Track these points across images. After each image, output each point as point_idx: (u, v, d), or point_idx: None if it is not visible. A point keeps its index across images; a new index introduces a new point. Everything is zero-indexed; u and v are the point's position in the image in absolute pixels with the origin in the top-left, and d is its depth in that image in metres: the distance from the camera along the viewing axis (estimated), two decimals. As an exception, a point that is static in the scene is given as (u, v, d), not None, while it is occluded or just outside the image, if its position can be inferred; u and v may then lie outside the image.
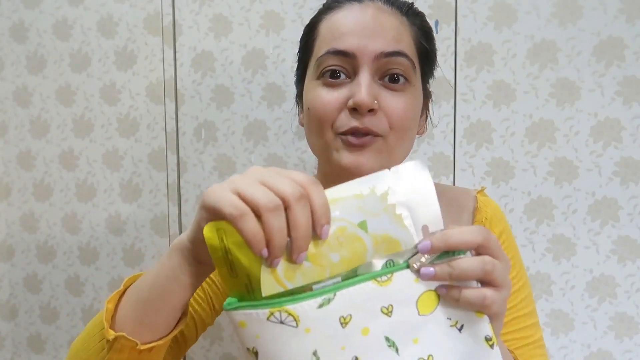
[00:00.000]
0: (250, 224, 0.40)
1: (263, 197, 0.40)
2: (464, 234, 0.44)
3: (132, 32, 1.08)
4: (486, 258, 0.44)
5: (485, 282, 0.44)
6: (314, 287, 0.42)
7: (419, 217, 0.44)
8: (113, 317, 0.52)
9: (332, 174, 0.67)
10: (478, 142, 0.98)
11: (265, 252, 0.40)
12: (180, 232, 1.10)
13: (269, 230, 0.40)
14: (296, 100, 0.75)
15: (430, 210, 0.45)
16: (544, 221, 0.98)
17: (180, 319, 0.53)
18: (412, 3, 0.69)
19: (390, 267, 0.43)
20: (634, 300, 0.96)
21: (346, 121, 0.61)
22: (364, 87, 0.60)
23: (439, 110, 0.99)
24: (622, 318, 0.97)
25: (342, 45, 0.61)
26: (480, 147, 0.98)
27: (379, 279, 0.42)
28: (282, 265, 0.41)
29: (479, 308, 0.44)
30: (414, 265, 0.43)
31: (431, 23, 0.97)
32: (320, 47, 0.64)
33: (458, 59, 0.98)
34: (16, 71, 1.14)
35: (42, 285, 1.18)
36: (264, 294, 0.41)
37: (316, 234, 0.41)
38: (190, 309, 0.67)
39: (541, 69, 0.95)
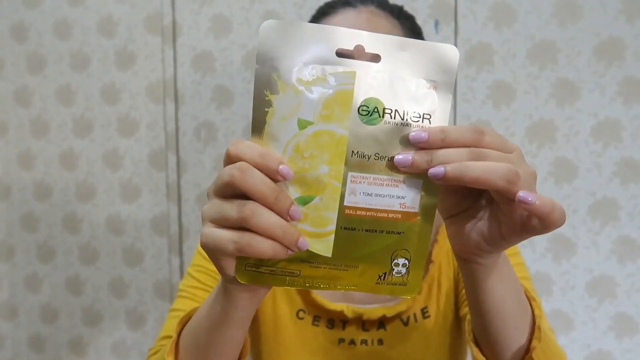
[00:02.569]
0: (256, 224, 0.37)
1: (231, 210, 0.37)
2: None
3: (132, 32, 1.08)
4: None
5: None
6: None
7: None
8: None
9: None
10: (478, 142, 0.98)
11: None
12: (180, 232, 1.11)
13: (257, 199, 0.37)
14: None
15: None
16: (544, 221, 0.98)
17: (242, 352, 0.51)
18: (402, 6, 0.71)
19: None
20: (634, 300, 0.96)
21: None
22: None
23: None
24: (622, 318, 0.97)
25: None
26: (480, 147, 0.98)
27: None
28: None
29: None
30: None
31: (431, 23, 0.98)
32: None
33: (458, 59, 0.98)
34: (16, 71, 1.15)
35: (42, 285, 1.18)
36: None
37: (279, 177, 0.37)
38: None
39: (541, 69, 0.95)
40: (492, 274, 0.43)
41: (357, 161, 0.37)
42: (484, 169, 0.35)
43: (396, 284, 0.40)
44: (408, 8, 0.98)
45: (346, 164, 0.37)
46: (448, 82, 0.38)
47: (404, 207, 0.38)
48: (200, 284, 0.68)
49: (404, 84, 0.37)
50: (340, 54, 0.37)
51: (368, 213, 0.38)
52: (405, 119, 0.37)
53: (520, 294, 0.47)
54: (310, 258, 0.38)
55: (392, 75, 0.37)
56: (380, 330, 0.68)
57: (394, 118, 0.37)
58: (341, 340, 0.69)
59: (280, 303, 0.70)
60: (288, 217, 0.37)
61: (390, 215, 0.38)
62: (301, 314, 0.70)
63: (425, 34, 0.98)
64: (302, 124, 0.37)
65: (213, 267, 0.68)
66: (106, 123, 1.11)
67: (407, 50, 0.38)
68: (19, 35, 1.14)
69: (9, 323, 1.21)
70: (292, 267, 0.39)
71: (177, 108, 1.08)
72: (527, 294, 0.49)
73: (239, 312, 0.45)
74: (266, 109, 0.37)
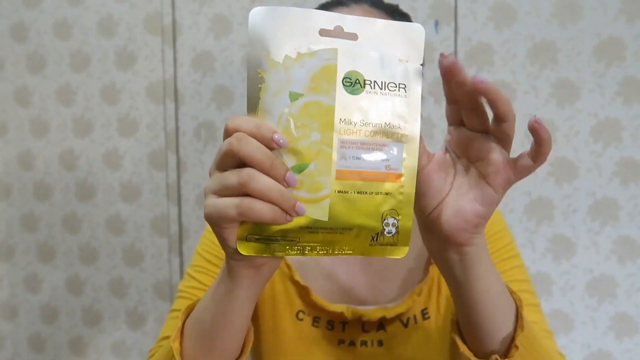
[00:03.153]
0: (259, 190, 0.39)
1: (231, 178, 0.40)
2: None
3: (132, 32, 1.08)
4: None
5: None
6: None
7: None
8: (181, 354, 0.50)
9: None
10: (478, 142, 0.98)
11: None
12: (180, 232, 1.11)
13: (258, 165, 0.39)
14: None
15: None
16: (544, 221, 0.98)
17: (246, 340, 0.52)
18: (397, 5, 0.71)
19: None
20: (634, 300, 0.96)
21: None
22: None
23: (439, 109, 0.99)
24: (622, 318, 0.97)
25: None
26: (480, 147, 0.98)
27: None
28: None
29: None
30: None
31: (431, 23, 0.98)
32: None
33: (458, 59, 0.98)
34: (16, 71, 1.15)
35: (42, 285, 1.18)
36: None
37: (274, 144, 0.40)
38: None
39: (541, 69, 0.95)
40: (481, 259, 0.45)
41: (344, 128, 0.40)
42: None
43: (387, 245, 0.43)
44: (408, 8, 0.98)
45: (335, 130, 0.40)
46: (417, 56, 0.43)
47: (389, 169, 0.42)
48: (200, 284, 0.68)
49: (379, 58, 0.41)
50: (322, 34, 0.41)
51: (358, 176, 0.41)
52: (383, 89, 0.41)
53: (503, 285, 0.48)
54: (308, 224, 0.41)
55: (368, 51, 0.41)
56: (380, 332, 0.68)
57: (374, 88, 0.41)
58: (341, 342, 0.69)
59: (279, 304, 0.70)
60: (284, 183, 0.39)
61: (378, 176, 0.42)
62: (301, 315, 0.70)
63: (425, 34, 0.98)
64: (293, 97, 0.40)
65: (213, 268, 0.69)
66: (106, 123, 1.11)
67: (379, 30, 0.42)
68: (19, 35, 1.14)
69: (9, 323, 1.21)
70: (291, 234, 0.41)
71: (177, 108, 1.08)
72: (508, 287, 0.50)
73: (243, 291, 0.46)
74: (259, 85, 0.40)
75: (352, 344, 0.68)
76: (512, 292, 0.50)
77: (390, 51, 0.42)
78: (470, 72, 0.97)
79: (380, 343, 0.68)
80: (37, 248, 1.18)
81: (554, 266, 0.98)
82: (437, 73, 0.90)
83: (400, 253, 0.44)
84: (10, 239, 1.19)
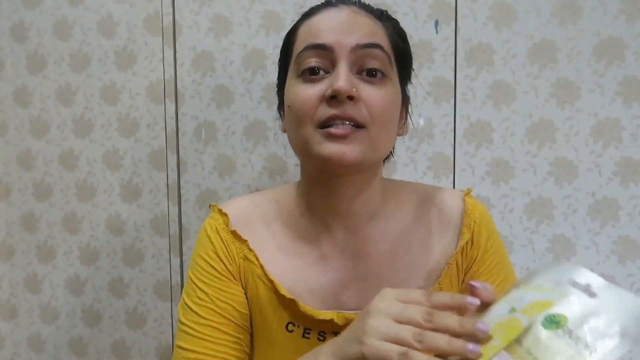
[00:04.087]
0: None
1: (408, 335, 0.45)
2: None
3: (132, 32, 1.08)
4: None
5: None
6: None
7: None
8: None
9: (316, 171, 0.67)
10: (478, 142, 0.98)
11: None
12: (180, 232, 1.11)
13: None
14: (277, 111, 0.76)
15: None
16: (544, 221, 0.98)
17: None
18: (386, 10, 0.71)
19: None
20: (634, 300, 0.96)
21: (325, 111, 0.62)
22: (342, 75, 0.61)
23: (439, 110, 0.99)
24: (622, 318, 0.97)
25: (320, 39, 0.63)
26: (480, 147, 0.98)
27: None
28: None
29: None
30: None
31: (431, 23, 0.98)
32: (299, 46, 0.66)
33: (458, 59, 0.98)
34: (16, 71, 1.15)
35: (42, 285, 1.18)
36: None
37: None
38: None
39: (541, 69, 0.95)
40: None
41: (514, 346, 0.43)
42: None
43: None
44: (408, 8, 0.98)
45: (507, 346, 0.43)
46: (635, 336, 0.42)
47: None
48: (201, 318, 0.68)
49: (597, 318, 0.43)
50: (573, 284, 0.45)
51: None
52: (574, 340, 0.42)
53: None
54: None
55: (593, 309, 0.43)
56: None
57: (566, 336, 0.42)
58: None
59: (267, 317, 0.70)
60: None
61: None
62: (290, 327, 0.69)
63: (425, 34, 0.98)
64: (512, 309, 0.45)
65: (208, 297, 0.68)
66: (106, 123, 1.11)
67: (613, 297, 0.44)
68: (19, 35, 1.14)
69: (9, 323, 1.21)
70: None
71: (177, 108, 1.08)
72: None
73: None
74: None
75: None
76: None
77: (613, 320, 0.42)
78: (470, 72, 0.97)
79: None
80: (37, 248, 1.18)
81: (554, 266, 0.98)
82: (437, 73, 0.90)
83: None
84: (10, 239, 1.19)
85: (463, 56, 0.98)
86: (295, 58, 0.66)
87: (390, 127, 0.66)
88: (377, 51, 0.64)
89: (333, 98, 0.61)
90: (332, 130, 0.61)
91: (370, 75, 0.64)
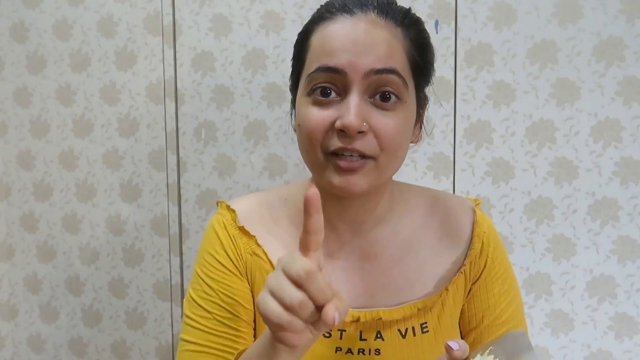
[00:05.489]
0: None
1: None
2: None
3: (132, 32, 1.08)
4: None
5: None
6: None
7: None
8: None
9: (324, 188, 0.67)
10: (478, 142, 0.98)
11: None
12: (180, 232, 1.11)
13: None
14: (291, 106, 0.75)
15: None
16: (544, 221, 0.98)
17: None
18: (409, 9, 0.67)
19: None
20: (634, 300, 0.96)
21: (334, 142, 0.61)
22: (352, 109, 0.59)
23: (439, 110, 0.99)
24: (622, 318, 0.97)
25: (332, 62, 0.61)
26: (480, 147, 0.98)
27: None
28: None
29: None
30: None
31: (431, 23, 0.98)
32: (312, 62, 0.64)
33: (458, 59, 0.98)
34: (16, 71, 1.15)
35: (42, 285, 1.18)
36: None
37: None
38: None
39: (541, 69, 0.95)
40: None
41: None
42: None
43: None
44: (408, 8, 0.98)
45: None
46: None
47: None
48: (206, 312, 0.68)
49: None
50: None
51: None
52: None
53: None
54: None
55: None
56: (377, 340, 0.68)
57: None
58: (338, 349, 0.68)
59: None
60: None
61: None
62: None
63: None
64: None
65: (214, 293, 0.69)
66: (106, 123, 1.11)
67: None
68: (19, 35, 1.14)
69: (9, 323, 1.21)
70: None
71: (177, 108, 1.08)
72: None
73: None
74: None
75: (350, 351, 0.68)
76: None
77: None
78: (470, 72, 0.97)
79: (377, 352, 0.68)
80: (37, 248, 1.18)
81: (554, 266, 0.98)
82: (437, 73, 0.89)
83: None
84: (10, 239, 1.19)
85: (463, 56, 0.98)
86: (306, 77, 0.64)
87: (401, 152, 0.65)
88: (392, 77, 0.61)
89: (342, 131, 0.60)
90: (341, 163, 0.61)
91: (384, 99, 0.62)
